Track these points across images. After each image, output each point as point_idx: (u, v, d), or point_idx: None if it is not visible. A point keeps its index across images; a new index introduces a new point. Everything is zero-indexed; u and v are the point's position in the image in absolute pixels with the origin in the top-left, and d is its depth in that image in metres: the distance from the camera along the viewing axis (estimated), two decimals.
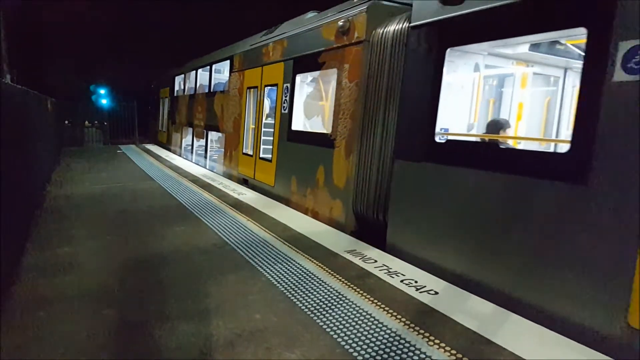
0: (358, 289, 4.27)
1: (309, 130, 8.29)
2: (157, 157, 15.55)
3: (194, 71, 15.52)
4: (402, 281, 4.47)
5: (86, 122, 24.28)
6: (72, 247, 5.32)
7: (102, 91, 29.33)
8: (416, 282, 4.46)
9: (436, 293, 4.20)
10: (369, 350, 3.20)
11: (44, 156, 9.41)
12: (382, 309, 3.84)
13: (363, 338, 3.36)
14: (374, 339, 3.35)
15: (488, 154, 4.67)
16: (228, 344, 3.23)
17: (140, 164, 13.73)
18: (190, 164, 14.11)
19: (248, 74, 10.55)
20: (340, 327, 3.53)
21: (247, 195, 8.87)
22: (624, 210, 3.19)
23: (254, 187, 9.85)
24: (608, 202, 3.32)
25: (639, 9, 3.15)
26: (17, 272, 4.41)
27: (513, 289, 4.05)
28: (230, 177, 11.44)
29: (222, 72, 13.51)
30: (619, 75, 3.28)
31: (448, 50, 4.94)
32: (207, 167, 13.33)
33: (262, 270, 4.73)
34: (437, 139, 4.98)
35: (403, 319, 3.66)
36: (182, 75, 17.10)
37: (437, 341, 3.33)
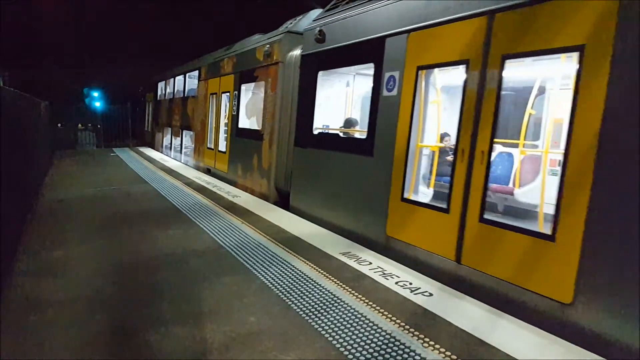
0: (353, 291, 4.27)
1: (249, 127, 10.46)
2: (149, 159, 15.50)
3: (172, 78, 17.71)
4: (396, 283, 4.48)
5: (79, 125, 24.16)
6: (64, 251, 5.28)
7: (96, 94, 29.20)
8: (411, 284, 4.47)
9: (430, 295, 4.21)
10: (364, 352, 3.20)
11: (37, 159, 9.34)
12: (376, 311, 3.85)
13: (358, 340, 3.36)
14: (368, 341, 3.35)
15: (337, 141, 7.32)
16: (223, 348, 3.22)
17: (133, 166, 13.67)
18: (169, 158, 16.27)
19: (210, 83, 12.90)
20: (335, 329, 3.52)
21: (241, 198, 8.86)
22: (387, 169, 5.69)
23: (214, 175, 12.06)
24: (379, 165, 5.83)
25: (393, 55, 5.64)
26: (9, 276, 4.37)
27: (346, 222, 6.50)
28: (198, 167, 13.68)
29: (195, 79, 15.24)
30: (384, 92, 5.78)
31: (320, 72, 7.41)
32: (182, 161, 15.46)
33: (256, 272, 4.72)
34: (314, 132, 7.54)
35: (398, 321, 3.67)
36: (163, 82, 19.43)
37: (432, 343, 3.33)
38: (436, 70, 5.36)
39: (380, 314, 3.79)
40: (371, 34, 6.13)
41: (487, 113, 4.45)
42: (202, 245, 5.65)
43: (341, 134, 7.73)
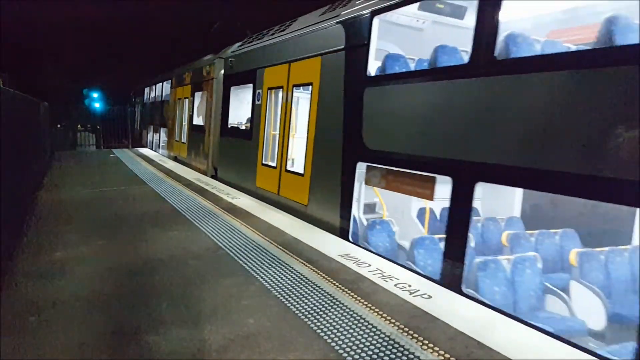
0: (352, 293, 4.27)
1: (198, 124, 14.16)
2: (146, 159, 15.50)
3: (154, 85, 21.60)
4: (395, 285, 4.48)
5: (79, 126, 24.15)
6: (63, 252, 5.27)
7: (95, 95, 29.20)
8: (410, 285, 4.47)
9: (430, 297, 4.21)
10: (363, 354, 3.20)
11: (36, 160, 9.34)
12: (375, 313, 3.85)
13: (357, 342, 3.36)
14: (367, 343, 3.35)
15: (237, 131, 11.10)
16: (221, 349, 3.22)
17: (133, 167, 13.66)
18: (150, 151, 19.62)
19: (178, 90, 16.74)
20: (334, 331, 3.52)
21: (240, 200, 8.86)
22: (256, 147, 9.45)
23: (179, 161, 15.67)
24: (253, 144, 9.63)
25: (260, 80, 9.72)
26: (9, 277, 4.37)
27: (242, 182, 10.13)
28: (169, 156, 17.29)
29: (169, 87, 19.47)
30: (256, 101, 9.78)
31: (232, 87, 11.41)
32: (160, 152, 19.26)
33: (256, 274, 4.72)
34: (228, 126, 11.42)
35: (397, 323, 3.67)
36: (148, 87, 23.26)
37: (430, 345, 3.33)
38: (273, 90, 9.26)
39: (379, 316, 3.79)
40: (250, 67, 10.29)
41: (288, 115, 8.51)
42: (201, 247, 5.65)
43: (240, 127, 11.37)
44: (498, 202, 7.36)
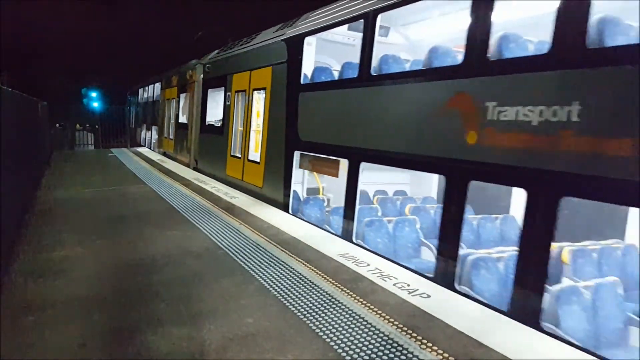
0: (351, 293, 4.27)
1: (183, 122, 15.55)
2: (145, 158, 15.49)
3: (147, 86, 23.13)
4: (394, 284, 4.48)
5: (77, 125, 24.10)
6: (62, 252, 5.27)
7: (94, 94, 29.17)
8: (408, 285, 4.47)
9: (428, 296, 4.21)
10: (362, 353, 3.20)
11: (35, 160, 9.33)
12: (374, 313, 3.85)
13: (355, 342, 3.37)
14: (366, 343, 3.35)
15: (212, 128, 12.65)
16: (220, 349, 3.22)
17: (131, 167, 13.65)
18: (147, 150, 20.54)
19: (167, 91, 18.18)
20: (333, 330, 3.53)
21: (239, 199, 8.86)
22: (227, 140, 11.39)
23: (167, 155, 17.12)
24: (224, 139, 11.58)
25: (229, 84, 11.64)
26: (8, 277, 4.37)
27: (216, 172, 11.84)
28: (159, 152, 18.76)
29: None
30: (226, 102, 11.69)
31: (209, 90, 13.05)
32: (151, 148, 20.75)
33: (254, 274, 4.72)
34: (205, 124, 13.12)
35: (395, 322, 3.67)
36: (142, 89, 24.79)
37: (429, 344, 3.34)
38: (239, 93, 10.88)
39: (378, 316, 3.80)
40: (222, 73, 12.07)
41: (249, 114, 10.22)
42: (200, 246, 5.65)
43: (215, 124, 12.66)
44: (421, 187, 9.60)
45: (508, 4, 5.65)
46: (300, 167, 8.33)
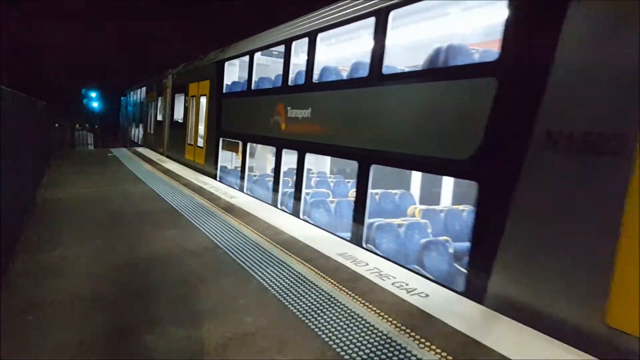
0: (349, 292, 4.28)
1: (159, 120, 19.19)
2: (145, 158, 15.51)
3: (137, 89, 26.20)
4: (393, 284, 4.49)
5: (77, 125, 24.10)
6: (61, 251, 5.27)
7: (94, 94, 29.17)
8: (407, 284, 4.48)
9: (427, 295, 4.22)
10: (360, 353, 3.21)
11: (34, 159, 9.33)
12: (373, 312, 3.86)
13: (354, 341, 3.37)
14: (365, 342, 3.36)
15: (177, 124, 16.51)
16: (219, 348, 3.22)
17: (130, 166, 13.65)
18: (143, 149, 22.04)
19: (150, 95, 21.88)
20: (332, 330, 3.54)
21: (239, 199, 8.86)
22: (185, 133, 15.39)
23: (150, 148, 20.18)
24: (183, 131, 15.52)
25: (187, 91, 15.61)
26: (7, 276, 4.37)
27: (178, 158, 15.52)
28: (145, 145, 22.12)
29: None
30: (184, 104, 15.75)
31: (176, 94, 16.75)
32: (139, 143, 23.89)
33: (253, 273, 4.73)
34: (174, 120, 17.07)
35: (394, 322, 3.68)
36: (132, 91, 28.30)
37: (427, 343, 3.35)
38: (193, 97, 14.22)
39: (377, 315, 3.81)
40: (183, 82, 15.55)
41: (197, 113, 14.07)
42: (199, 246, 5.65)
43: (179, 121, 16.14)
44: (319, 164, 12.61)
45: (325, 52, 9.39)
46: (222, 149, 12.31)
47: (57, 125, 22.49)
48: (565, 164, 3.72)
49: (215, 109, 12.45)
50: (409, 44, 8.19)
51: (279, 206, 8.65)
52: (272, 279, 4.59)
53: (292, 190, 8.47)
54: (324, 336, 3.43)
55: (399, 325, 3.63)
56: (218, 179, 11.89)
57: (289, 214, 7.92)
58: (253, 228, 6.58)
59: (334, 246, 5.77)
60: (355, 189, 6.68)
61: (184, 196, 8.98)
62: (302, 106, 8.13)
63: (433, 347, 3.30)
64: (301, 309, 3.89)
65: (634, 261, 3.21)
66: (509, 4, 4.41)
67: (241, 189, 10.43)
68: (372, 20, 6.34)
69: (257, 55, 10.68)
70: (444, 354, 3.21)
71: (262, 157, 13.77)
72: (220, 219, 7.12)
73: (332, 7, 7.58)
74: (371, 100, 6.44)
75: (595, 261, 3.46)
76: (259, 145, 12.05)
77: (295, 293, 4.24)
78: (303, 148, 8.08)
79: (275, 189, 8.91)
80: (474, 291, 4.29)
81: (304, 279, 4.60)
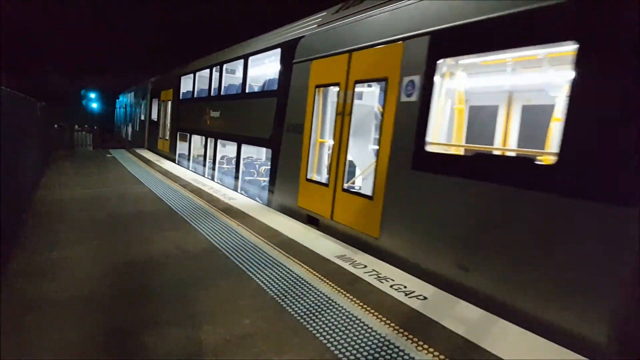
0: (348, 294, 4.29)
1: (143, 119, 23.13)
2: (144, 160, 15.51)
3: (129, 93, 30.16)
4: (391, 286, 4.49)
5: (76, 126, 24.10)
6: (60, 252, 5.27)
7: (93, 95, 29.18)
8: (405, 287, 4.49)
9: (425, 298, 4.23)
10: (358, 355, 3.21)
11: (33, 160, 9.32)
12: (371, 314, 3.87)
13: (352, 343, 3.38)
14: (363, 344, 3.37)
15: (154, 123, 20.61)
16: (217, 350, 3.22)
17: (129, 167, 13.64)
18: (143, 150, 23.32)
19: (136, 98, 25.58)
20: (330, 332, 3.54)
21: (237, 201, 8.87)
22: (158, 130, 20.07)
23: (137, 143, 23.66)
24: (157, 128, 20.08)
25: (159, 97, 20.16)
26: (5, 277, 4.36)
27: (152, 147, 20.58)
28: (131, 140, 25.93)
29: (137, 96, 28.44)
30: (160, 106, 19.45)
31: (153, 99, 21.03)
32: (129, 139, 27.34)
33: (252, 275, 4.73)
34: (152, 119, 21.27)
35: (392, 324, 3.69)
36: (124, 95, 32.73)
37: (425, 346, 3.35)
38: (163, 101, 19.06)
39: (375, 317, 3.81)
40: (158, 89, 19.77)
41: (166, 113, 18.67)
42: (197, 247, 5.65)
43: (155, 120, 19.89)
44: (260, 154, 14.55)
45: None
46: (179, 140, 16.38)
47: (56, 126, 22.47)
48: (288, 138, 8.49)
49: (175, 111, 16.99)
50: (262, 75, 12.06)
51: (206, 176, 13.22)
52: (270, 280, 4.59)
53: (215, 164, 12.97)
54: (322, 338, 3.43)
55: (397, 327, 3.64)
56: (176, 162, 16.07)
57: (209, 179, 12.57)
58: (251, 229, 6.58)
59: (333, 248, 5.77)
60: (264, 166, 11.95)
61: (182, 198, 8.98)
62: (216, 110, 12.87)
63: (431, 349, 3.31)
64: (299, 311, 3.90)
65: (303, 174, 7.75)
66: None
67: (187, 168, 14.98)
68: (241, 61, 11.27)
69: (200, 72, 14.78)
70: (442, 356, 3.22)
71: (200, 146, 15.32)
72: (218, 220, 7.12)
73: (237, 46, 12.29)
74: (241, 107, 11.31)
75: (296, 176, 7.95)
76: (198, 136, 14.86)
77: (294, 295, 4.24)
78: (216, 136, 12.79)
79: (204, 165, 13.83)
80: (267, 200, 9.14)
81: (303, 281, 4.60)
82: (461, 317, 3.86)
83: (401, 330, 3.59)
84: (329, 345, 3.34)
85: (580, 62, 3.70)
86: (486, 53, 4.83)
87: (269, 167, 9.26)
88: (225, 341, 3.34)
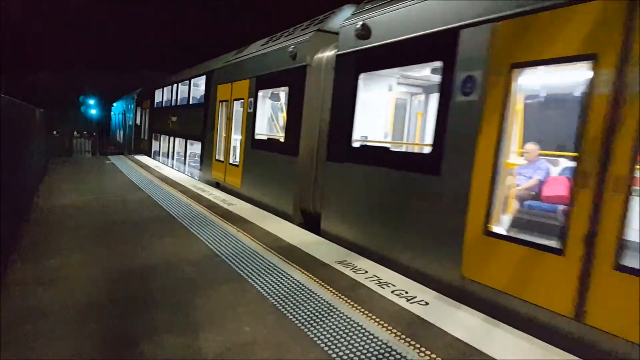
0: (349, 300, 4.25)
1: (130, 124, 27.92)
2: (143, 166, 15.48)
3: (119, 101, 35.71)
4: (392, 292, 4.47)
5: (75, 133, 24.09)
6: (59, 260, 5.23)
7: (92, 101, 29.26)
8: (407, 292, 4.46)
9: (427, 304, 4.20)
10: None
11: (31, 167, 9.30)
12: (372, 320, 3.84)
13: (354, 350, 3.35)
14: (364, 351, 3.33)
15: (137, 126, 26.04)
16: (217, 358, 3.19)
17: (128, 174, 13.62)
18: (143, 157, 24.64)
19: (127, 106, 30.40)
20: (331, 338, 3.51)
21: (236, 206, 8.84)
22: (140, 132, 25.25)
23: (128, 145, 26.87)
24: (140, 131, 25.07)
25: (126, 108, 30.74)
26: (3, 285, 4.33)
27: (137, 147, 24.55)
28: (125, 146, 27.17)
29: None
30: (142, 113, 24.58)
31: (138, 107, 26.41)
32: (121, 141, 29.70)
33: (252, 281, 4.70)
34: (137, 124, 26.07)
35: (394, 330, 3.66)
36: (116, 102, 37.32)
37: (427, 352, 3.32)
38: (143, 109, 24.33)
39: (376, 323, 3.78)
40: (139, 100, 25.45)
41: (143, 119, 24.93)
42: (196, 254, 5.62)
43: (139, 124, 24.69)
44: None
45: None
46: (154, 140, 20.54)
47: (55, 132, 22.45)
48: (208, 134, 13.19)
49: (151, 116, 21.52)
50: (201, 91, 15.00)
51: (168, 165, 17.28)
52: (270, 287, 4.56)
53: (174, 156, 17.59)
54: (323, 345, 3.40)
55: (398, 333, 3.61)
56: (151, 157, 20.19)
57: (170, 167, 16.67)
58: (251, 235, 6.55)
59: (333, 254, 5.74)
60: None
61: (181, 204, 8.95)
62: (174, 115, 17.24)
63: (433, 355, 3.28)
64: (300, 318, 3.86)
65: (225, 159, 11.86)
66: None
67: (158, 161, 18.84)
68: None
69: (166, 87, 19.25)
70: None
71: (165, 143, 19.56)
72: (218, 226, 7.09)
73: (185, 71, 17.27)
74: (186, 113, 15.79)
75: (210, 158, 12.61)
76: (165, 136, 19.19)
77: (294, 301, 4.21)
78: (174, 135, 17.54)
79: (167, 157, 18.29)
80: (198, 177, 13.59)
81: (303, 287, 4.57)
82: (463, 322, 3.83)
83: (403, 336, 3.56)
84: (330, 352, 3.31)
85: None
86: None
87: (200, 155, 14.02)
88: (225, 349, 3.31)
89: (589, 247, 3.54)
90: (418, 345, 3.41)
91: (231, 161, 11.29)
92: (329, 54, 7.40)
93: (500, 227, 4.62)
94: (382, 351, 3.33)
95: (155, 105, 20.96)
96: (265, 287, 4.54)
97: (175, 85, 17.61)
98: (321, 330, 3.65)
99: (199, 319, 3.81)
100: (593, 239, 3.52)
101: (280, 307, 4.07)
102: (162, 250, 5.76)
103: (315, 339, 3.50)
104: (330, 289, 4.54)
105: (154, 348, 3.30)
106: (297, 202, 8.04)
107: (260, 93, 9.74)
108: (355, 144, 6.55)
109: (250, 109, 9.99)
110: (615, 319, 3.40)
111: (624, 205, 3.37)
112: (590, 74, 3.60)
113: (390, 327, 3.70)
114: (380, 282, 4.72)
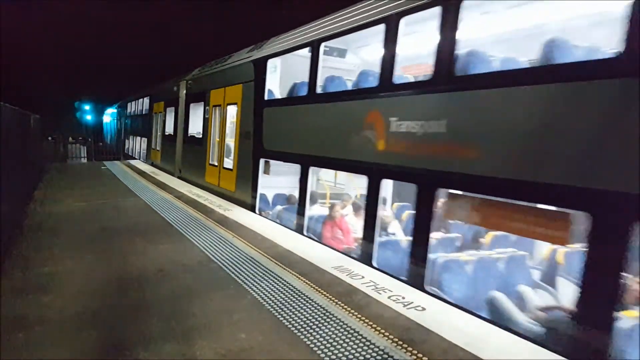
0: (345, 306, 4.23)
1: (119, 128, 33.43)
2: (139, 172, 15.43)
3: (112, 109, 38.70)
4: (389, 297, 4.45)
5: (70, 138, 24.01)
6: (52, 267, 5.18)
7: (87, 107, 29.17)
8: (403, 298, 4.44)
9: (423, 309, 4.18)
10: None
11: (26, 173, 9.24)
12: (369, 326, 3.81)
13: (350, 357, 3.32)
14: (361, 357, 3.31)
15: (120, 131, 33.62)
16: None
17: (123, 179, 13.56)
18: (138, 162, 24.94)
19: (118, 114, 33.51)
20: (328, 345, 3.48)
21: (233, 212, 8.81)
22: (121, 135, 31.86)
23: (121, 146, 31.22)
24: (122, 137, 31.24)
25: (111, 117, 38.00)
26: None
27: (126, 150, 28.77)
28: (117, 149, 30.90)
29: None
30: (125, 120, 31.64)
31: (121, 117, 32.03)
32: (112, 144, 33.80)
33: (248, 288, 4.67)
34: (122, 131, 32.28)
35: (391, 336, 3.63)
36: (110, 109, 39.21)
37: (424, 358, 3.30)
38: (131, 117, 27.86)
39: (373, 329, 3.76)
40: (124, 114, 29.66)
41: (122, 125, 30.96)
42: (192, 260, 5.59)
43: (122, 131, 30.70)
44: None
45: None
46: (131, 137, 25.39)
47: (50, 138, 22.35)
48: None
49: (127, 123, 26.56)
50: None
51: (141, 160, 20.72)
52: (266, 293, 4.53)
53: (141, 152, 21.92)
54: (319, 352, 3.38)
55: (395, 339, 3.58)
56: (141, 159, 21.75)
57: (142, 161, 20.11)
58: (247, 241, 6.52)
59: (329, 259, 5.72)
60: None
61: (177, 209, 8.91)
62: (136, 121, 23.44)
63: None
64: (296, 324, 3.84)
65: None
66: None
67: (139, 157, 22.01)
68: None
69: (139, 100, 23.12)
70: None
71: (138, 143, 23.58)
72: (214, 232, 7.06)
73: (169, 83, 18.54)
74: (141, 119, 22.56)
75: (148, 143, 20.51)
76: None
77: (290, 308, 4.19)
78: (136, 135, 23.14)
79: (144, 154, 21.30)
80: (144, 158, 21.26)
81: (299, 293, 4.55)
82: (460, 328, 3.81)
83: (400, 342, 3.54)
84: (326, 358, 3.28)
85: None
86: None
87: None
88: (221, 356, 3.28)
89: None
90: (415, 352, 3.39)
91: (156, 147, 18.87)
92: (184, 91, 14.85)
93: (214, 161, 11.59)
94: (379, 358, 3.31)
95: (128, 114, 26.98)
96: (261, 293, 4.51)
97: (137, 100, 23.99)
98: (318, 336, 3.62)
99: (195, 325, 3.77)
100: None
101: (276, 314, 4.04)
102: (158, 255, 5.72)
103: (312, 345, 3.47)
104: (327, 294, 4.51)
105: (150, 356, 3.27)
106: (178, 165, 15.07)
107: (168, 109, 17.06)
108: (188, 135, 14.19)
109: (163, 117, 17.84)
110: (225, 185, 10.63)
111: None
112: None
113: (387, 333, 3.68)
114: (377, 288, 4.70)
